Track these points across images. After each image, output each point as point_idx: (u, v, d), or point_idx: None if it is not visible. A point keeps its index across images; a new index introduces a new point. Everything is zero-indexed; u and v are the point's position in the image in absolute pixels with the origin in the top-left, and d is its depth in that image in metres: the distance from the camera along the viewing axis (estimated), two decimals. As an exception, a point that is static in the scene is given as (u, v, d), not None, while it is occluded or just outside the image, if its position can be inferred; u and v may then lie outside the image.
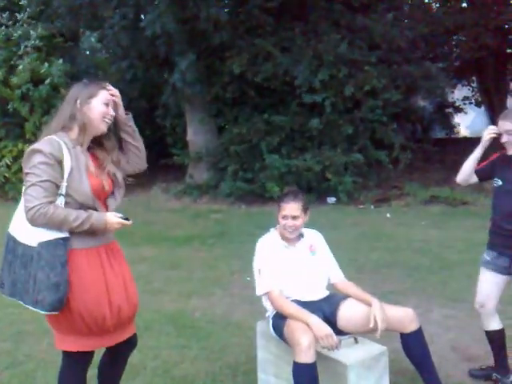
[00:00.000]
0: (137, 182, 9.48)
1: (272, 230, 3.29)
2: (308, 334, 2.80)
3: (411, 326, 3.02)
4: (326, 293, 3.26)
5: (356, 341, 3.09)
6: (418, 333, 3.06)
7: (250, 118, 9.96)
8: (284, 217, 3.14)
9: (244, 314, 4.46)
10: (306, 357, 2.75)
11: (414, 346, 3.04)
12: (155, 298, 5.07)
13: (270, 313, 3.19)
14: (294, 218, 3.14)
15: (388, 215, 8.59)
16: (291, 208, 3.14)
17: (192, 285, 5.38)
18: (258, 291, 3.14)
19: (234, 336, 4.14)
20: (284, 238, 3.21)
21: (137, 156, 2.80)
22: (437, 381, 3.07)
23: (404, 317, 3.04)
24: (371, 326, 2.94)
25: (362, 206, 9.35)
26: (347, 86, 9.41)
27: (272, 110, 10.06)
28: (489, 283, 3.33)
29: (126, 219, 2.52)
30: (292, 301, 3.09)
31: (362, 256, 6.27)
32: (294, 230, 3.16)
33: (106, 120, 2.55)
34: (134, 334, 2.84)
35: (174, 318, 4.54)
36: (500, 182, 3.28)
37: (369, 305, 3.05)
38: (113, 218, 2.50)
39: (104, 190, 2.59)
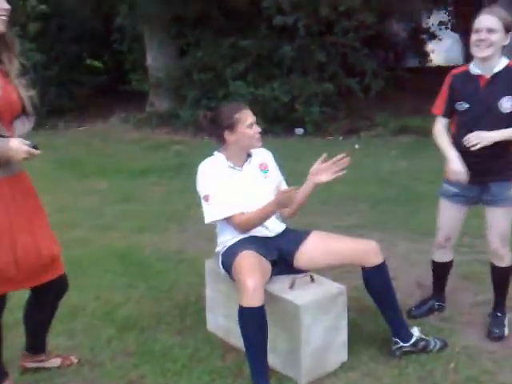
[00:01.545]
0: (95, 111, 8.92)
1: (216, 153, 2.89)
2: (255, 274, 2.49)
3: (374, 260, 2.75)
4: (283, 226, 2.94)
5: (312, 279, 2.80)
6: (382, 267, 2.79)
7: (215, 41, 9.31)
8: (250, 125, 2.75)
9: (198, 251, 4.15)
10: (252, 300, 2.45)
11: (376, 281, 2.78)
12: (104, 233, 4.72)
13: (220, 248, 2.87)
14: (255, 121, 2.79)
15: (356, 146, 8.28)
16: (250, 112, 2.79)
17: (145, 220, 5.03)
18: (207, 219, 2.79)
19: (185, 274, 3.84)
20: (232, 158, 2.83)
21: None
22: (400, 319, 2.85)
23: (366, 250, 2.76)
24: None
25: (330, 138, 9.00)
26: (322, 5, 8.76)
27: (238, 33, 9.41)
28: (454, 215, 3.11)
29: (35, 147, 2.12)
30: (245, 238, 2.77)
31: (326, 188, 5.91)
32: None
33: (2, 17, 2.10)
34: (61, 278, 2.51)
35: (122, 255, 4.21)
36: (466, 105, 2.89)
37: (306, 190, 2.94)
38: (19, 145, 2.10)
39: (10, 107, 2.17)
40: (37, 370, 2.72)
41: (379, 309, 2.83)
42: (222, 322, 3.00)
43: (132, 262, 4.09)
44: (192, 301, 3.41)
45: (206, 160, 2.85)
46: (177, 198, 5.56)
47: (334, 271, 3.31)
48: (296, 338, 2.62)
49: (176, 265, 4.00)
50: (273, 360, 2.69)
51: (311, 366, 2.65)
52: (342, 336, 2.77)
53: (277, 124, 8.95)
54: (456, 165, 2.88)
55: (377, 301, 2.82)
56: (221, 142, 2.82)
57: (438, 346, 2.85)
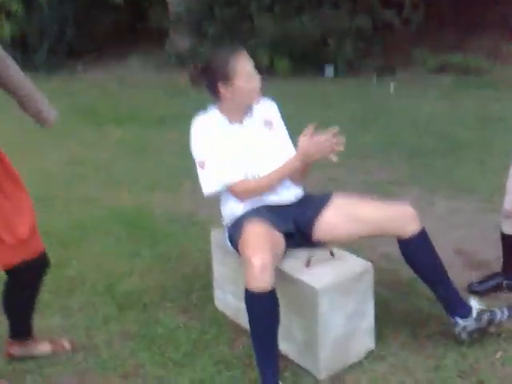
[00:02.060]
0: (114, 52, 8.37)
1: (211, 108, 2.44)
2: (263, 250, 2.07)
3: (411, 228, 2.31)
4: (298, 192, 2.50)
5: (332, 254, 2.39)
6: (422, 235, 2.36)
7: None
8: (249, 76, 2.29)
9: (211, 214, 3.72)
10: (259, 282, 2.04)
11: (419, 253, 2.36)
12: (113, 191, 4.37)
13: (228, 221, 2.47)
14: (255, 70, 2.33)
15: (391, 87, 7.64)
16: (247, 56, 2.32)
17: (158, 175, 4.66)
18: (205, 190, 2.37)
19: (196, 239, 3.47)
20: (228, 114, 2.37)
21: None
22: (455, 293, 2.40)
23: (401, 216, 2.32)
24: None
25: (363, 78, 8.36)
26: None
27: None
28: None
29: None
30: (255, 208, 2.36)
31: (355, 137, 5.42)
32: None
33: None
34: (39, 257, 2.18)
35: (128, 217, 3.87)
36: None
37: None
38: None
39: None
40: (25, 358, 2.43)
41: (428, 286, 2.42)
42: (232, 301, 2.64)
43: (139, 224, 3.74)
44: (201, 272, 3.05)
45: (198, 117, 2.40)
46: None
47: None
48: (313, 327, 2.24)
49: (186, 229, 3.64)
50: (288, 349, 2.34)
51: (331, 358, 2.28)
52: (368, 321, 2.38)
53: (305, 63, 8.34)
54: None
55: (424, 277, 2.40)
56: (216, 97, 2.36)
57: (505, 316, 2.36)
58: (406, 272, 2.55)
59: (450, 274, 2.97)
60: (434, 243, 3.28)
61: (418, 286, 2.87)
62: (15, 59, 2.05)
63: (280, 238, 2.29)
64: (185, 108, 6.80)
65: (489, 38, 8.80)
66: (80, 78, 8.81)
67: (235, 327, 2.60)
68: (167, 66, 8.83)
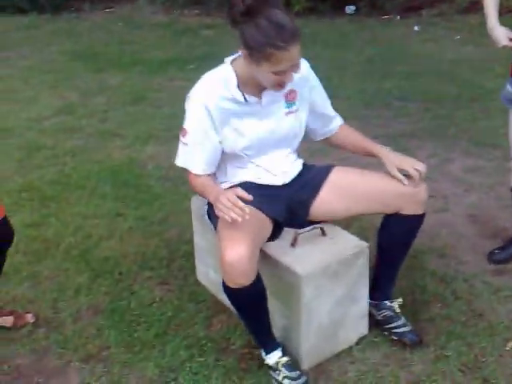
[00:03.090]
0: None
1: (228, 62, 1.92)
2: (238, 243, 1.74)
3: (415, 209, 1.99)
4: (298, 167, 2.12)
5: (323, 232, 2.08)
6: (419, 220, 2.04)
7: None
8: (279, 72, 1.76)
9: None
10: (234, 278, 1.75)
11: (403, 233, 2.05)
12: (104, 142, 4.08)
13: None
14: (296, 66, 1.80)
15: (416, 28, 7.07)
16: (296, 53, 1.75)
17: (153, 125, 4.34)
18: (177, 161, 2.04)
19: (185, 200, 3.16)
20: (246, 79, 1.87)
21: None
22: (392, 286, 2.17)
23: (412, 195, 1.96)
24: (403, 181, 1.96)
25: (386, 17, 7.76)
26: None
27: None
28: None
29: None
30: (243, 184, 1.98)
31: (373, 84, 5.02)
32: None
33: None
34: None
35: (117, 172, 3.59)
36: None
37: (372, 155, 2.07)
38: None
39: None
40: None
41: (382, 263, 2.12)
42: (213, 276, 2.37)
43: (127, 181, 3.46)
44: (185, 239, 2.77)
45: (206, 78, 1.92)
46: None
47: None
48: (295, 316, 1.97)
49: (177, 187, 3.34)
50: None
51: (316, 347, 2.02)
52: (361, 307, 2.09)
53: (323, 1, 7.77)
54: (497, 32, 2.29)
55: (387, 253, 2.10)
56: (239, 50, 1.83)
57: (404, 335, 2.07)
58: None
59: (463, 244, 2.69)
60: (447, 208, 3.01)
61: (424, 258, 2.58)
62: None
63: (266, 225, 1.94)
64: (191, 50, 6.43)
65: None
66: (86, 18, 8.36)
67: (215, 304, 2.35)
68: (176, 3, 8.32)
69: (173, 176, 3.48)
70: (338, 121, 2.18)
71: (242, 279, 1.75)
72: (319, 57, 5.27)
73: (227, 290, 1.81)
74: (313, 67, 2.04)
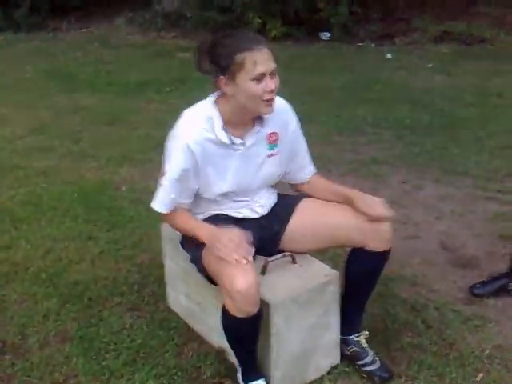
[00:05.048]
0: (101, 11, 7.84)
1: (210, 101, 1.87)
2: (249, 270, 1.71)
3: (380, 245, 1.97)
4: (273, 200, 2.12)
5: (293, 260, 2.08)
6: (385, 256, 2.02)
7: None
8: (257, 77, 1.75)
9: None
10: (247, 307, 1.72)
11: (369, 268, 2.03)
12: (77, 163, 4.04)
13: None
14: (273, 73, 1.80)
15: (389, 55, 7.22)
16: (266, 54, 1.77)
17: (128, 147, 4.31)
18: (153, 204, 1.99)
19: (159, 223, 3.12)
20: (229, 117, 1.86)
21: None
22: (357, 322, 2.15)
23: (374, 230, 1.94)
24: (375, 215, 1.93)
25: (360, 44, 7.92)
26: None
27: None
28: None
29: None
30: (217, 217, 2.00)
31: (347, 110, 5.08)
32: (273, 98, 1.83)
33: None
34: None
35: (89, 194, 3.55)
36: None
37: (347, 201, 2.01)
38: None
39: None
40: None
41: (348, 296, 2.10)
42: (184, 302, 2.35)
43: (100, 204, 3.42)
44: (158, 263, 2.72)
45: (188, 116, 1.88)
46: (171, 119, 4.75)
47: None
48: (266, 344, 1.95)
49: (150, 210, 3.25)
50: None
51: (287, 377, 2.00)
52: (333, 335, 2.09)
53: (298, 27, 7.88)
54: None
55: (353, 286, 2.08)
56: (215, 86, 1.85)
57: (373, 373, 2.05)
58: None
59: (434, 273, 2.72)
60: (418, 236, 3.04)
61: (395, 286, 2.60)
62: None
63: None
64: (167, 72, 6.44)
65: (497, 4, 8.36)
66: (63, 37, 8.34)
67: (187, 331, 2.32)
68: (153, 26, 8.35)
69: (146, 199, 3.38)
70: (310, 170, 2.15)
71: (251, 307, 1.73)
72: (294, 82, 5.33)
73: (229, 319, 1.78)
74: (288, 92, 2.06)
